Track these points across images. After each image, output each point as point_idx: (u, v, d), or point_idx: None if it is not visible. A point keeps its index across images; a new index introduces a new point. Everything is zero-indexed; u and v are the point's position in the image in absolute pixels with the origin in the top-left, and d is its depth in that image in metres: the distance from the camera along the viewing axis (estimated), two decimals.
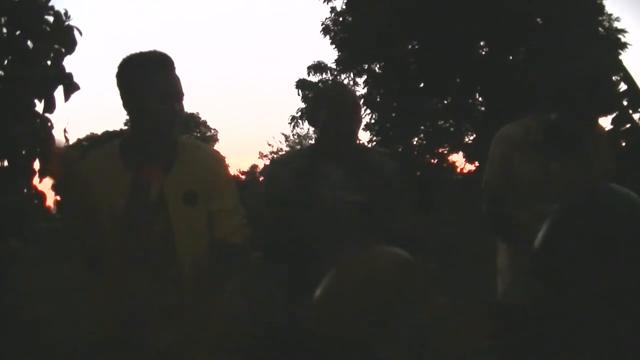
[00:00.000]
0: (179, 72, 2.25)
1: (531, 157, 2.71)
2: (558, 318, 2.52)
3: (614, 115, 3.31)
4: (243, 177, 45.88)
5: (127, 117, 2.40)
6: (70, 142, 2.97)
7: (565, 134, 2.69)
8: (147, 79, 2.19)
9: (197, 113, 48.61)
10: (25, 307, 2.27)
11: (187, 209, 2.23)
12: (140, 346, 2.18)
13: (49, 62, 2.46)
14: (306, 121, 19.97)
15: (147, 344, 2.19)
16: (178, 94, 2.25)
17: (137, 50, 2.26)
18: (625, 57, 14.33)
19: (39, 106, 2.53)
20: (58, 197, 2.80)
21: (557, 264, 2.25)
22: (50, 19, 2.37)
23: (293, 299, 2.35)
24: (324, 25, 18.95)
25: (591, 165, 2.71)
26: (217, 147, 49.84)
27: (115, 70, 2.24)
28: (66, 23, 2.38)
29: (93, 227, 2.23)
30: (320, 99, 2.77)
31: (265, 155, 43.49)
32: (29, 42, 2.40)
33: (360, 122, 2.76)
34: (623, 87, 3.34)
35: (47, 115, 2.59)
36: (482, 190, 2.85)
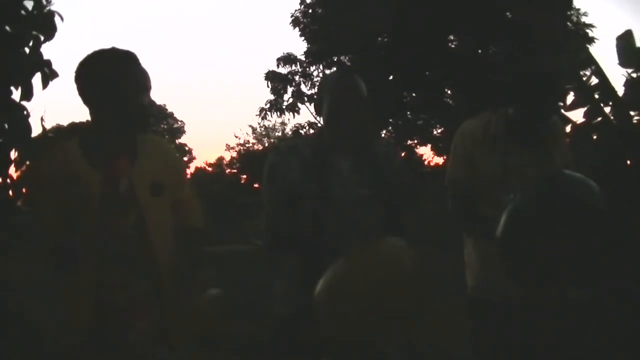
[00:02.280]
0: (148, 63, 2.30)
1: (491, 152, 2.76)
2: (528, 310, 2.57)
3: (586, 108, 3.36)
4: (210, 169, 45.61)
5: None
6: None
7: (524, 128, 2.74)
8: (123, 72, 2.20)
9: (165, 105, 48.20)
10: (11, 301, 2.24)
11: (155, 199, 2.26)
12: (119, 339, 2.18)
13: (27, 49, 2.41)
14: (275, 113, 20.01)
15: (125, 337, 2.18)
16: (148, 88, 2.28)
17: (98, 48, 2.28)
18: (594, 51, 14.57)
19: (16, 94, 2.49)
20: (24, 190, 2.75)
21: (518, 252, 2.30)
22: (30, 4, 2.33)
23: (302, 292, 2.34)
24: (293, 17, 18.94)
25: (550, 159, 2.76)
26: (184, 138, 49.58)
27: (79, 65, 2.24)
28: (47, 8, 2.34)
29: (63, 224, 2.22)
30: (323, 88, 2.71)
31: (232, 148, 43.37)
32: (6, 28, 2.35)
33: (365, 110, 2.68)
34: (594, 80, 3.39)
35: (24, 103, 2.54)
36: (446, 186, 2.88)
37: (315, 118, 19.24)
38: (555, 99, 2.80)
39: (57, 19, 2.35)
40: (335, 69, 18.32)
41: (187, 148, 49.65)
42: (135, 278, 2.22)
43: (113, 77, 2.22)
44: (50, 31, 2.37)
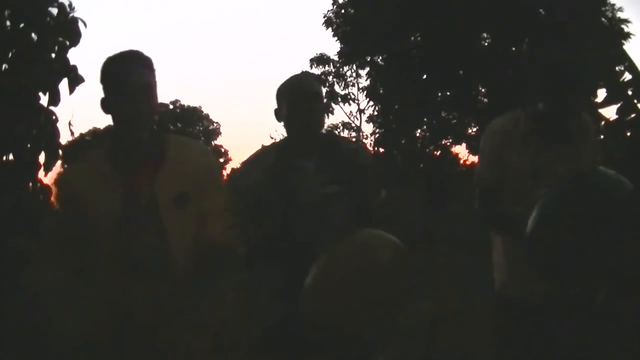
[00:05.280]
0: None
1: (521, 149, 2.72)
2: (558, 308, 2.54)
3: (619, 105, 3.31)
4: None
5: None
6: (74, 136, 2.97)
7: (553, 124, 2.70)
8: (122, 76, 2.17)
9: (200, 107, 48.61)
10: (33, 307, 2.25)
11: (178, 211, 2.20)
12: (137, 348, 2.17)
13: (53, 55, 2.45)
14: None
15: (143, 346, 2.17)
16: (149, 92, 2.20)
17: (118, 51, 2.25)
18: (629, 47, 14.29)
19: (44, 99, 2.53)
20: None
21: (548, 249, 2.26)
22: (55, 11, 2.36)
23: (286, 295, 2.33)
24: (326, 18, 18.95)
25: (580, 156, 2.72)
26: (219, 140, 49.87)
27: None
28: (70, 15, 2.37)
29: (86, 231, 2.21)
30: (281, 93, 2.70)
31: None
32: (33, 35, 2.39)
33: (323, 110, 2.71)
34: (628, 76, 3.33)
35: (51, 108, 2.58)
36: (474, 185, 2.85)
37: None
38: (583, 92, 2.76)
39: (80, 25, 2.38)
40: (368, 69, 18.30)
41: (222, 150, 50.04)
42: (155, 289, 2.20)
43: (114, 78, 2.18)
44: (74, 37, 2.40)
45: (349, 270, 2.09)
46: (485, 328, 2.97)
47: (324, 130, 2.69)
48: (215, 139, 50.04)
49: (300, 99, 2.56)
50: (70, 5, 2.35)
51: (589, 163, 2.68)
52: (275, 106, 2.68)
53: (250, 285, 2.56)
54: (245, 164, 2.75)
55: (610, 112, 3.29)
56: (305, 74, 3.13)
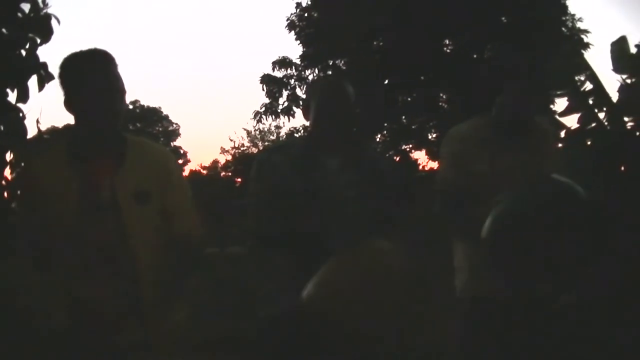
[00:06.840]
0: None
1: (481, 154, 2.78)
2: (515, 309, 2.60)
3: (580, 114, 3.38)
4: (205, 172, 45.57)
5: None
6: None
7: (513, 130, 2.77)
8: (91, 74, 2.17)
9: (160, 107, 48.14)
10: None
11: (139, 208, 2.22)
12: (103, 344, 2.16)
13: (23, 52, 2.42)
14: (270, 116, 20.02)
15: (110, 342, 2.16)
16: (119, 90, 2.21)
17: (78, 50, 2.25)
18: (588, 56, 14.64)
19: (12, 96, 2.49)
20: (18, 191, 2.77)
21: (504, 251, 2.32)
22: (27, 7, 2.33)
23: (292, 289, 2.34)
24: (289, 21, 18.95)
25: (539, 162, 2.79)
26: (179, 141, 49.48)
27: (59, 68, 2.22)
28: (44, 11, 2.34)
29: (44, 227, 2.20)
30: (312, 90, 2.74)
31: (227, 151, 43.30)
32: (3, 30, 2.35)
33: (352, 111, 2.73)
34: (589, 86, 3.40)
35: (19, 105, 2.55)
36: (435, 189, 2.89)
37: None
38: (541, 93, 2.84)
39: (53, 22, 2.36)
40: (330, 72, 18.34)
41: (182, 151, 49.62)
42: (116, 285, 2.19)
43: (89, 78, 2.18)
44: (46, 34, 2.37)
45: (353, 277, 2.14)
46: (448, 332, 3.02)
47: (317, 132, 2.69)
48: (175, 140, 49.60)
49: (329, 95, 2.59)
50: (43, 1, 2.33)
51: (548, 170, 2.74)
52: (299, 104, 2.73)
53: (258, 272, 2.56)
54: (269, 150, 2.75)
55: (571, 121, 3.37)
56: (338, 75, 3.14)
